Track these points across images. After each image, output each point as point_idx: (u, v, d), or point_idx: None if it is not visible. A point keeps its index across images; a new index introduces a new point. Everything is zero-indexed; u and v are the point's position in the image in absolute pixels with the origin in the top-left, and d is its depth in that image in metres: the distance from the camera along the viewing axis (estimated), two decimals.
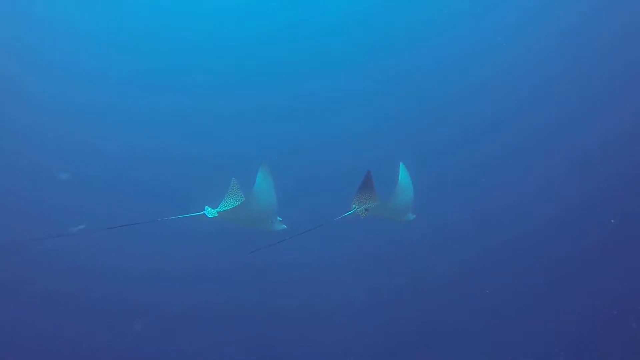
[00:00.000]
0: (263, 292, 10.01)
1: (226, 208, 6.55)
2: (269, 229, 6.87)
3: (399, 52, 13.95)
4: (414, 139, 12.56)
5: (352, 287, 10.29)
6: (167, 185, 11.53)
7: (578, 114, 12.85)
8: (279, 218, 6.92)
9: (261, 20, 14.03)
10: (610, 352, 9.28)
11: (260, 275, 9.90)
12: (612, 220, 10.69)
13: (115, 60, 13.23)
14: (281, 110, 13.19)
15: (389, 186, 6.74)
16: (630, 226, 10.71)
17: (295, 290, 10.08)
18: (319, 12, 14.21)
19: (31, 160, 11.51)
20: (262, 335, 9.68)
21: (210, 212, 6.56)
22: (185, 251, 10.13)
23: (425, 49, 13.96)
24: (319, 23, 14.14)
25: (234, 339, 9.64)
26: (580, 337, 9.59)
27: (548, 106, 13.12)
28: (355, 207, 6.55)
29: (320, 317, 9.96)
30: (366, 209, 6.54)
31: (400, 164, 6.73)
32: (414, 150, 12.04)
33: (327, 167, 12.08)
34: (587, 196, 11.62)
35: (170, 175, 11.79)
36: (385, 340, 9.97)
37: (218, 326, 9.78)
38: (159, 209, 10.37)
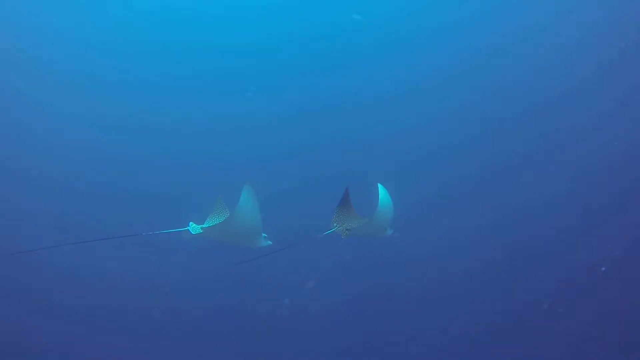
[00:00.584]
0: (249, 301, 10.01)
1: (209, 225, 6.51)
2: (254, 246, 6.83)
3: (398, 60, 13.85)
4: (410, 147, 12.55)
5: (337, 296, 10.28)
6: (158, 190, 11.55)
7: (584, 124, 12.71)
8: (264, 235, 6.88)
9: (259, 24, 13.97)
10: None
11: (245, 284, 9.86)
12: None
13: (114, 65, 13.24)
14: (273, 116, 13.15)
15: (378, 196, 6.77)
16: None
17: (279, 300, 10.07)
18: (319, 17, 14.13)
19: (25, 166, 11.49)
20: (248, 345, 9.68)
21: (194, 228, 6.52)
22: (170, 260, 10.08)
23: (426, 57, 13.87)
24: (317, 28, 14.07)
25: (219, 348, 9.63)
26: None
27: (552, 116, 12.96)
28: (336, 226, 6.52)
29: (305, 326, 9.95)
30: (347, 229, 6.49)
31: (379, 185, 6.71)
32: (411, 157, 12.12)
33: (317, 174, 12.05)
34: (589, 208, 11.52)
35: (160, 180, 11.79)
36: (370, 351, 9.95)
37: (203, 335, 9.79)
38: (150, 216, 10.54)
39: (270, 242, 6.89)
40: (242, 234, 6.52)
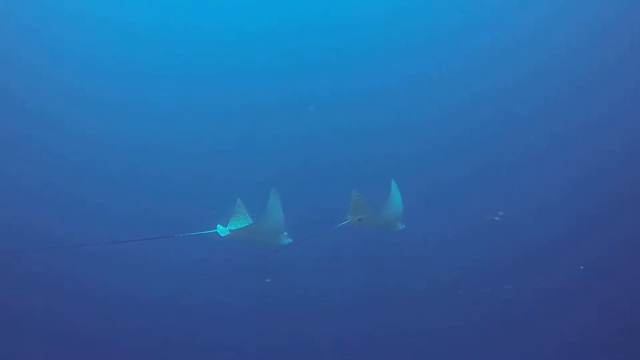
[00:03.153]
0: (263, 287, 10.50)
1: (238, 227, 7.02)
2: (277, 244, 7.39)
3: (402, 55, 13.99)
4: (417, 143, 12.88)
5: (346, 285, 10.69)
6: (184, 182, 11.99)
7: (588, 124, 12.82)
8: (285, 233, 7.44)
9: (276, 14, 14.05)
10: None
11: (260, 271, 10.29)
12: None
13: (138, 54, 13.58)
14: (286, 107, 13.41)
15: (386, 190, 7.32)
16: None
17: (290, 286, 10.53)
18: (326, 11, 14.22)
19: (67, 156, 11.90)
20: (262, 329, 10.24)
21: (222, 230, 7.04)
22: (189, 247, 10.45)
23: (430, 53, 14.02)
24: (325, 21, 14.16)
25: (234, 331, 10.15)
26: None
27: (559, 114, 13.07)
28: (350, 218, 7.18)
29: (316, 312, 10.39)
30: (359, 220, 7.18)
31: (392, 181, 7.29)
32: (416, 154, 12.42)
33: (328, 166, 12.49)
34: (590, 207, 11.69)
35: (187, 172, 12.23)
36: (376, 337, 10.43)
37: (220, 319, 10.34)
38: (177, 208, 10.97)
39: (291, 240, 7.48)
40: (267, 235, 7.08)
